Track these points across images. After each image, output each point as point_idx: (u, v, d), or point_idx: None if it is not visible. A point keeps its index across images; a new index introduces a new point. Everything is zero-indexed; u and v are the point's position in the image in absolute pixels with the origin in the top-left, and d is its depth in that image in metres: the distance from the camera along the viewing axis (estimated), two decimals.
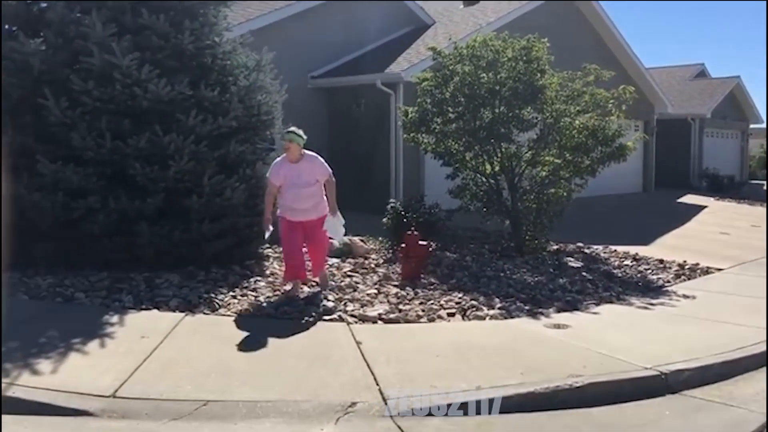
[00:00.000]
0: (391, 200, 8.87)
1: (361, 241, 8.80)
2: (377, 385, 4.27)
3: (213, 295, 6.05)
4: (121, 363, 4.39)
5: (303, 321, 5.51)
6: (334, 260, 7.99)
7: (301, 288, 6.43)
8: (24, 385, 4.01)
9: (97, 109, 6.68)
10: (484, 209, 9.41)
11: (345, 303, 6.11)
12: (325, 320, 5.59)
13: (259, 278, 6.91)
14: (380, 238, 9.10)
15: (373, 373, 4.45)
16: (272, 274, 7.19)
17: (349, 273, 7.39)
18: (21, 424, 3.66)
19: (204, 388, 4.09)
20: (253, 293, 6.29)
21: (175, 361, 4.49)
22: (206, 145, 6.94)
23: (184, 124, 6.86)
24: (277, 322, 5.53)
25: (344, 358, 4.73)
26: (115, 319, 5.32)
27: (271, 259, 7.97)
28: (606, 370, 4.62)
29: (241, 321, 5.49)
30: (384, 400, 4.08)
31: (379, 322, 5.67)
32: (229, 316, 5.61)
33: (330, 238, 6.71)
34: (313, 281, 6.70)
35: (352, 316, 5.72)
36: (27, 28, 7.14)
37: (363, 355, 4.80)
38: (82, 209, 6.54)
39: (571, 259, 8.81)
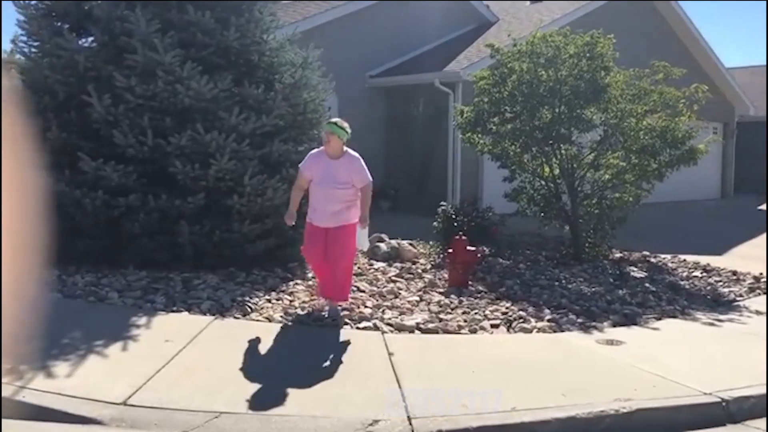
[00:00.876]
0: (442, 203, 8.53)
1: (410, 244, 8.49)
2: (404, 401, 3.95)
3: (247, 299, 5.86)
4: (139, 368, 4.22)
5: (335, 329, 5.25)
6: (380, 264, 7.72)
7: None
8: (36, 388, 3.88)
9: (140, 106, 6.62)
10: (542, 214, 8.96)
11: (383, 310, 5.82)
12: (358, 329, 5.31)
13: (299, 281, 6.70)
14: (430, 243, 8.77)
15: (401, 389, 4.13)
16: (314, 278, 6.96)
17: (393, 278, 7.09)
18: (20, 430, 3.53)
19: (218, 399, 3.86)
20: (289, 297, 6.07)
21: (193, 368, 4.29)
22: (248, 144, 6.79)
23: (226, 123, 6.73)
24: (307, 330, 5.29)
25: (372, 370, 4.43)
26: (143, 320, 5.19)
27: None
28: (659, 394, 4.17)
29: (270, 327, 5.26)
30: (409, 419, 3.75)
31: (417, 332, 5.34)
32: (259, 321, 5.39)
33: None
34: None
35: (388, 324, 5.41)
36: (76, 26, 7.20)
37: (393, 367, 4.49)
38: (123, 207, 6.48)
39: (634, 269, 8.25)
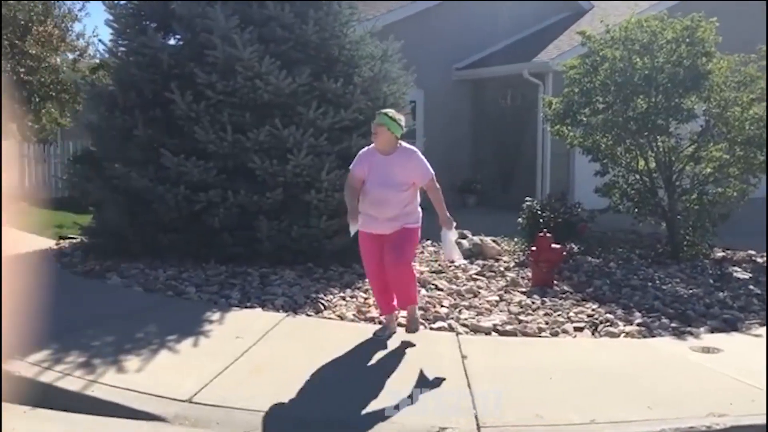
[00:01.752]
0: (527, 198, 8.19)
1: (494, 241, 8.21)
2: (474, 408, 3.74)
3: (321, 296, 5.78)
4: (207, 365, 4.20)
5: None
6: (462, 262, 7.48)
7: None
8: (106, 383, 3.92)
9: (220, 102, 6.67)
10: (636, 210, 8.45)
11: (460, 310, 5.60)
12: (432, 329, 5.12)
13: None
14: (515, 239, 8.44)
15: (471, 394, 3.92)
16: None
17: (474, 276, 6.85)
18: (86, 426, 3.56)
19: (281, 400, 3.78)
20: (364, 295, 5.95)
21: (260, 367, 4.24)
22: (326, 139, 6.72)
23: (304, 117, 6.69)
24: (378, 329, 5.13)
25: (442, 373, 4.22)
26: (216, 316, 5.20)
27: None
28: (758, 409, 3.75)
29: (341, 326, 5.16)
30: (478, 426, 3.55)
31: (494, 333, 5.10)
32: (331, 319, 5.30)
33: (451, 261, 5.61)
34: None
35: (463, 325, 5.20)
36: (161, 25, 7.36)
37: (465, 371, 4.28)
38: (204, 202, 6.55)
39: (738, 269, 7.63)
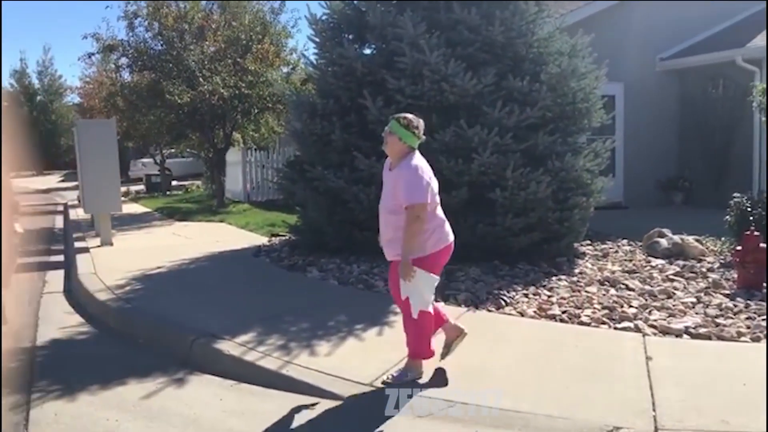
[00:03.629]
0: (735, 194, 7.53)
1: (697, 240, 7.67)
2: (653, 411, 3.61)
3: (504, 292, 5.84)
4: (389, 353, 4.46)
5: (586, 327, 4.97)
6: (659, 261, 7.12)
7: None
8: (299, 364, 4.34)
9: (409, 106, 6.93)
10: None
11: (650, 311, 5.35)
12: (617, 329, 4.96)
13: (563, 277, 6.48)
14: (722, 239, 7.82)
15: (652, 396, 3.78)
16: (580, 273, 6.68)
17: (670, 277, 6.48)
18: (279, 401, 3.95)
19: (456, 389, 3.92)
20: (548, 293, 5.90)
21: (437, 357, 4.40)
22: (512, 137, 6.74)
23: (489, 117, 6.77)
24: (559, 326, 5.08)
25: (623, 374, 4.12)
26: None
27: (587, 257, 7.45)
28: None
29: (520, 322, 5.18)
30: (656, 429, 3.43)
31: (685, 336, 4.81)
32: (511, 315, 5.34)
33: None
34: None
35: (651, 326, 4.97)
36: (357, 36, 7.84)
37: (648, 373, 4.12)
38: None
39: None
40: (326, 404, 3.88)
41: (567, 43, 7.38)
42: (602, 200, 7.67)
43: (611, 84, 9.76)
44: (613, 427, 3.46)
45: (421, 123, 4.08)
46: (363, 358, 4.43)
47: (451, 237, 4.19)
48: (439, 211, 4.12)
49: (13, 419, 3.75)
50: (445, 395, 3.84)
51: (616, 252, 7.79)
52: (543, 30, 7.42)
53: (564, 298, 5.72)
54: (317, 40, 7.89)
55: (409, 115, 4.10)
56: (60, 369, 4.63)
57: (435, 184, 4.07)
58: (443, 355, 4.26)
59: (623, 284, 6.17)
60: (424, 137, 4.12)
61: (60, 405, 3.97)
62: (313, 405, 3.87)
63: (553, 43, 7.43)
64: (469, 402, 3.75)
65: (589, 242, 8.13)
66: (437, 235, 4.06)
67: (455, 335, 4.31)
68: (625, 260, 7.30)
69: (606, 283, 6.28)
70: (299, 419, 3.71)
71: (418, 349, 4.12)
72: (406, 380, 4.03)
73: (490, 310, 5.45)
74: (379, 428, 3.55)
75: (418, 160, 4.02)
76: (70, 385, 4.24)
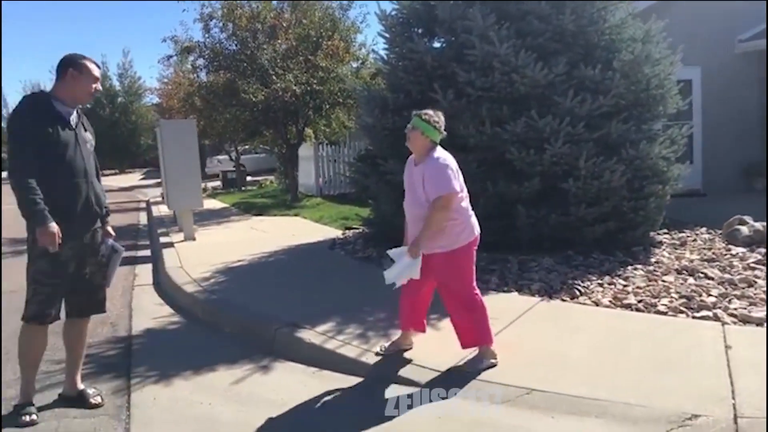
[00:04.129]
0: None
1: None
2: (733, 398, 3.60)
3: (578, 282, 5.84)
4: None
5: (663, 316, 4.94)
6: (740, 249, 6.95)
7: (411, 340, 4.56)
8: (377, 352, 4.50)
9: (479, 98, 7.01)
10: None
11: (730, 299, 5.26)
12: (695, 317, 4.92)
13: (639, 266, 6.42)
14: None
15: (732, 385, 3.76)
16: (657, 262, 6.60)
17: (751, 265, 6.32)
18: (356, 388, 4.12)
19: (533, 377, 4.00)
20: (623, 282, 5.87)
21: (512, 345, 4.49)
22: (584, 126, 6.71)
23: (561, 106, 6.75)
24: (635, 316, 5.06)
25: (701, 362, 4.10)
26: None
27: (663, 246, 7.34)
28: None
29: (594, 311, 5.19)
30: (735, 417, 3.42)
31: (766, 325, 4.74)
32: (585, 305, 5.35)
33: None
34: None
35: (731, 315, 4.90)
36: (426, 30, 7.94)
37: (728, 361, 4.09)
38: None
39: None
40: (403, 390, 4.03)
41: (640, 29, 7.26)
42: (679, 188, 7.53)
43: (688, 68, 9.51)
44: (691, 415, 3.47)
45: (441, 118, 4.19)
46: (438, 346, 4.54)
47: (478, 229, 4.32)
48: (467, 204, 4.26)
49: (116, 402, 4.05)
50: (522, 382, 3.92)
51: (695, 240, 7.63)
52: (615, 17, 7.32)
53: (640, 288, 5.69)
54: (387, 35, 8.02)
55: (430, 111, 4.21)
56: (155, 356, 4.94)
57: (461, 177, 4.20)
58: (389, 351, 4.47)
59: (702, 273, 6.07)
60: (445, 133, 4.23)
61: (157, 389, 4.26)
62: (390, 391, 4.02)
63: (625, 29, 7.33)
64: (545, 389, 3.83)
65: (665, 231, 8.00)
66: (470, 227, 4.22)
67: (407, 345, 4.51)
68: (704, 248, 7.16)
69: (684, 271, 6.19)
70: (379, 404, 3.87)
71: (484, 334, 4.23)
72: (482, 367, 4.14)
73: (564, 300, 5.47)
74: (456, 415, 3.67)
75: (443, 153, 4.15)
76: (165, 372, 4.53)
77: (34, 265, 3.72)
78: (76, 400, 3.98)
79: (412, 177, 4.18)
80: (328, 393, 4.10)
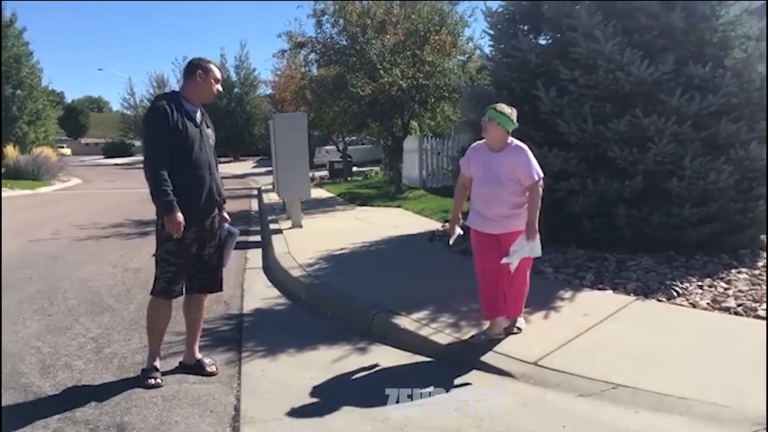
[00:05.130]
0: None
1: None
2: None
3: (677, 283, 5.78)
4: (554, 335, 4.70)
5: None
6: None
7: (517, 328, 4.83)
8: (469, 341, 4.71)
9: (582, 96, 7.02)
10: None
11: None
12: None
13: (744, 269, 6.27)
14: None
15: None
16: (764, 266, 6.41)
17: None
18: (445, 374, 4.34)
19: (619, 372, 4.07)
20: (725, 285, 5.76)
21: (603, 342, 4.57)
22: (691, 126, 6.59)
23: (667, 105, 6.66)
24: (732, 319, 4.98)
25: None
26: (568, 295, 5.66)
27: None
28: None
29: (690, 313, 5.15)
30: None
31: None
32: (682, 306, 5.31)
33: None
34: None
35: None
36: (532, 27, 8.00)
37: None
38: (564, 191, 6.99)
39: None
40: (491, 378, 4.22)
41: (755, 26, 7.02)
42: None
43: None
44: None
45: (514, 110, 4.64)
46: (530, 338, 4.69)
47: None
48: None
49: (229, 372, 4.47)
50: (608, 377, 4.02)
51: None
52: (729, 13, 7.11)
53: (741, 291, 5.57)
54: (492, 32, 8.15)
55: (503, 104, 4.66)
56: (263, 333, 5.36)
57: None
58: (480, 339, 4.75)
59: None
60: (517, 123, 4.64)
61: (264, 363, 4.65)
62: (478, 378, 4.22)
63: (740, 26, 7.11)
64: (631, 385, 3.91)
65: None
66: None
67: (498, 334, 4.78)
68: None
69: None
70: (466, 390, 4.08)
71: (522, 304, 4.82)
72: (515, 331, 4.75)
73: (660, 300, 5.45)
74: (541, 407, 3.82)
75: (519, 142, 4.67)
76: (272, 347, 4.93)
77: (163, 247, 4.19)
78: (194, 368, 4.43)
79: (493, 162, 4.61)
80: (419, 376, 4.33)
